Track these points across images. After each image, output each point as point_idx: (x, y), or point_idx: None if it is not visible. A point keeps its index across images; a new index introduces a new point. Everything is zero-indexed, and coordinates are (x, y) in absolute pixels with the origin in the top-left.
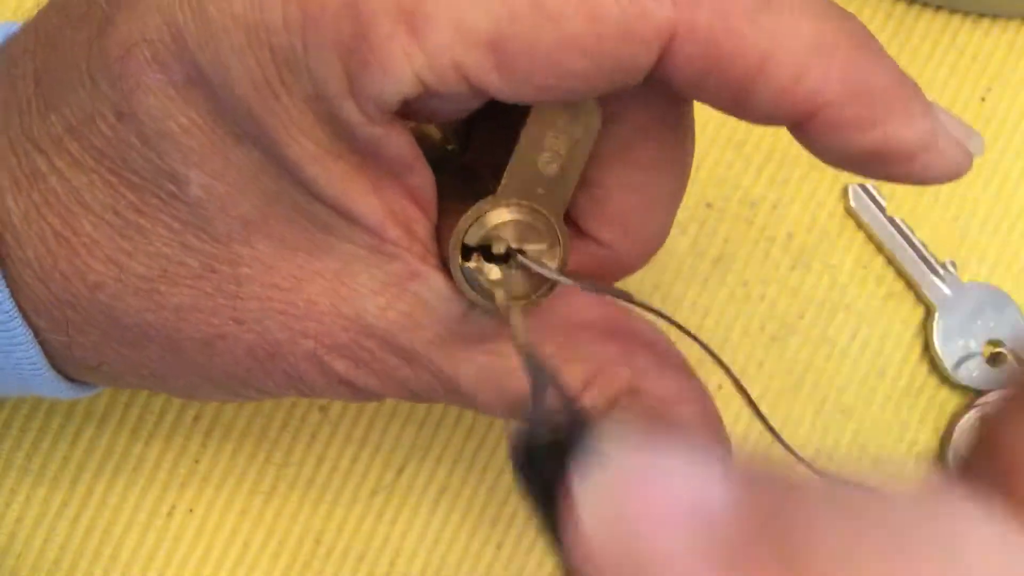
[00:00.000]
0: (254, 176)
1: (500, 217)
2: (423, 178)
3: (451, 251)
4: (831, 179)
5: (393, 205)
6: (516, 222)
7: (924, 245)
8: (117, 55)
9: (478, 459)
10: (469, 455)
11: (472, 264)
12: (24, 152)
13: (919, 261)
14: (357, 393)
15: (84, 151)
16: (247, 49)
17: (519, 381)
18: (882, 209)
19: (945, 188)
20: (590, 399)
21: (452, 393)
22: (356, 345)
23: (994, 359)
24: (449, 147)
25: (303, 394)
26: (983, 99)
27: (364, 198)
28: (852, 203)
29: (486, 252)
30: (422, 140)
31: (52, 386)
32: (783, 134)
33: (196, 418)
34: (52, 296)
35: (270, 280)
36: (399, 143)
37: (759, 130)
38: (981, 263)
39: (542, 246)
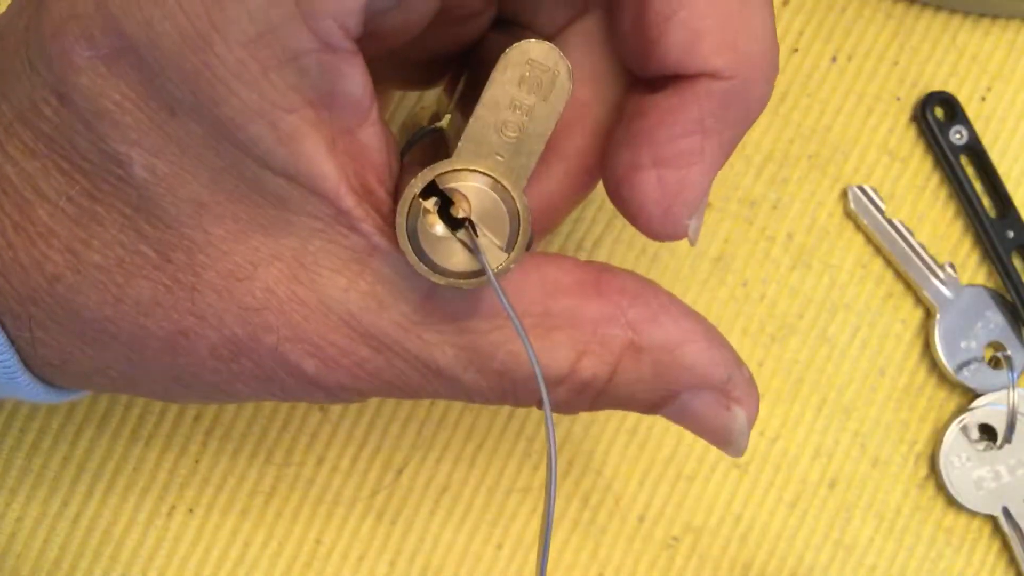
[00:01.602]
0: (196, 151)
1: (459, 181)
2: (377, 133)
3: (398, 215)
4: (831, 179)
5: (347, 167)
6: (474, 189)
7: (924, 247)
8: (49, 35)
9: (478, 459)
10: (469, 455)
11: (423, 226)
12: None
13: (919, 263)
14: (332, 394)
15: (36, 138)
16: None
17: (503, 356)
18: (881, 211)
19: (945, 189)
20: (590, 369)
21: (434, 378)
22: (321, 338)
23: (994, 362)
24: (438, 125)
25: (278, 398)
26: (983, 99)
27: (316, 158)
28: (852, 205)
29: (443, 216)
30: (412, 127)
31: (29, 389)
32: (783, 134)
33: (196, 418)
34: (13, 291)
35: (226, 267)
36: (357, 77)
37: (759, 130)
38: (981, 265)
39: (500, 229)
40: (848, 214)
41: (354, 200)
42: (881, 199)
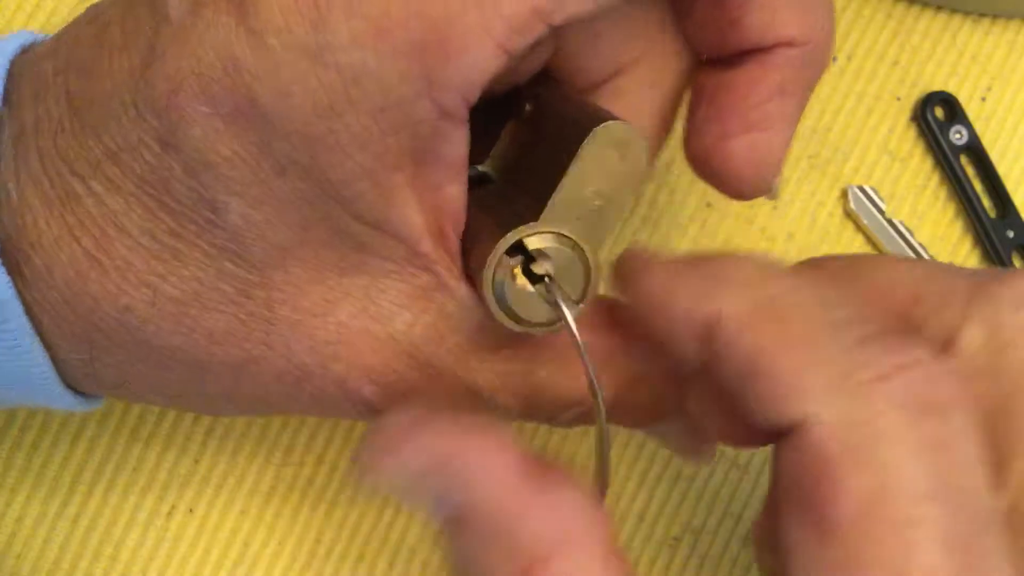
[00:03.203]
0: (294, 205)
1: (541, 242)
2: (461, 188)
3: (487, 270)
4: (831, 179)
5: (430, 217)
6: (555, 249)
7: (924, 247)
8: (165, 88)
9: None
10: None
11: (507, 279)
12: (58, 174)
13: None
14: (376, 414)
15: (124, 176)
16: (310, 73)
17: (535, 382)
18: (881, 211)
19: (945, 189)
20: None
21: (472, 399)
22: (384, 367)
23: None
24: (482, 169)
25: (324, 415)
26: (983, 99)
27: (407, 210)
28: (852, 205)
29: (525, 270)
30: None
31: (64, 400)
32: None
33: (196, 418)
34: (78, 318)
35: (303, 304)
36: (461, 141)
37: None
38: (980, 265)
39: (575, 283)
40: (848, 214)
41: (431, 244)
42: (881, 199)
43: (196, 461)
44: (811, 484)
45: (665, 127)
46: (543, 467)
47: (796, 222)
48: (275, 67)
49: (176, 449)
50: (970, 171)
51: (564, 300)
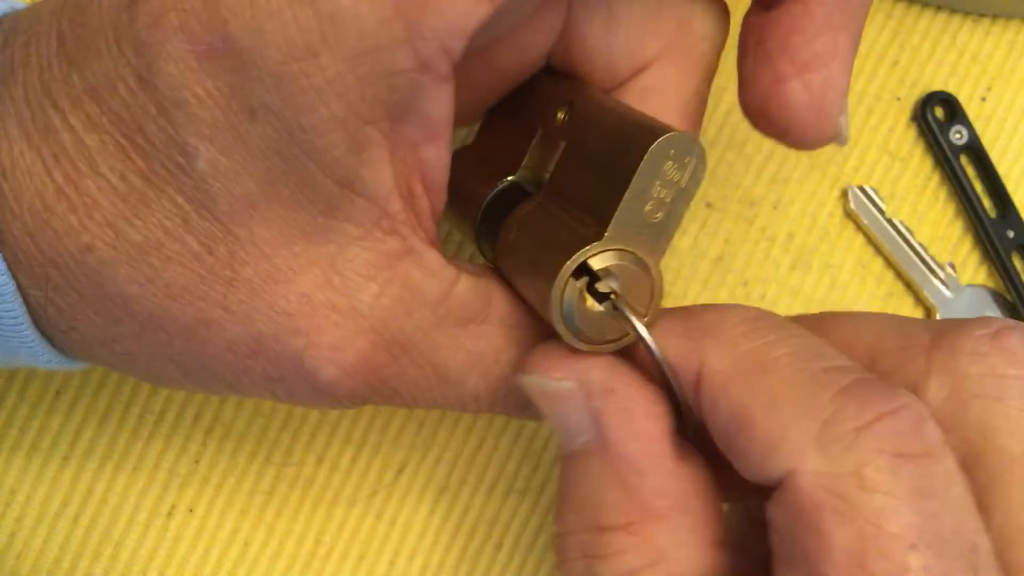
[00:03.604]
0: (263, 153)
1: (605, 261)
2: (440, 152)
3: (554, 293)
4: (831, 179)
5: (401, 176)
6: (620, 267)
7: (924, 247)
8: (145, 23)
9: (478, 459)
10: (469, 455)
11: (575, 301)
12: (40, 107)
13: (919, 263)
14: (335, 402)
15: (101, 113)
16: (286, 9)
17: (502, 366)
18: (881, 211)
19: (945, 189)
20: None
21: (439, 384)
22: (346, 344)
23: None
24: (514, 179)
25: (275, 399)
26: (983, 99)
27: (378, 167)
28: (852, 205)
29: (589, 289)
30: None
31: (33, 346)
32: None
33: (196, 418)
34: (38, 251)
35: (265, 268)
36: (443, 100)
37: None
38: (981, 265)
39: (641, 298)
40: (848, 214)
41: (400, 205)
42: (881, 199)
43: (196, 461)
44: (800, 539)
45: (700, 114)
46: (680, 440)
47: (796, 222)
48: (250, 1)
49: (176, 449)
50: (970, 171)
51: (635, 316)
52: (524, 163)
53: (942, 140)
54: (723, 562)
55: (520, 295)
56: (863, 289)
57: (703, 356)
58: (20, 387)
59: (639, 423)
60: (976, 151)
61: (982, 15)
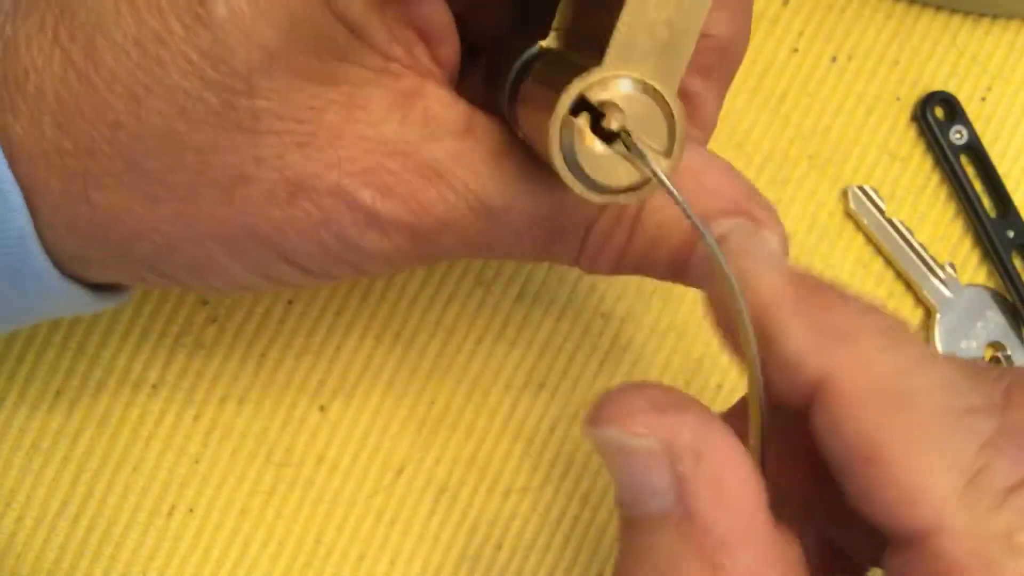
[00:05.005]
0: (283, 0)
1: (609, 91)
2: (435, 8)
3: (551, 134)
4: (831, 179)
5: (397, 26)
6: (627, 98)
7: (924, 247)
8: None
9: (478, 459)
10: (469, 455)
11: (576, 142)
12: None
13: (919, 263)
14: (386, 234)
15: None
16: None
17: (549, 197)
18: (881, 211)
19: (945, 189)
20: None
21: (484, 215)
22: (381, 168)
23: (995, 362)
24: (543, 45)
25: (328, 257)
26: (983, 99)
27: (375, 15)
28: (852, 205)
29: (595, 128)
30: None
31: (40, 274)
32: (783, 134)
33: (196, 418)
34: (72, 143)
35: (288, 113)
36: None
37: (759, 130)
38: (981, 265)
39: (658, 133)
40: (848, 214)
41: (400, 52)
42: (881, 199)
43: (196, 461)
44: None
45: None
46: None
47: (796, 222)
48: None
49: (176, 449)
50: (970, 171)
51: (649, 153)
52: (553, 24)
53: (942, 140)
54: None
55: (536, 152)
56: (863, 289)
57: (833, 366)
58: (20, 387)
59: (732, 495)
60: (976, 151)
61: (982, 15)
